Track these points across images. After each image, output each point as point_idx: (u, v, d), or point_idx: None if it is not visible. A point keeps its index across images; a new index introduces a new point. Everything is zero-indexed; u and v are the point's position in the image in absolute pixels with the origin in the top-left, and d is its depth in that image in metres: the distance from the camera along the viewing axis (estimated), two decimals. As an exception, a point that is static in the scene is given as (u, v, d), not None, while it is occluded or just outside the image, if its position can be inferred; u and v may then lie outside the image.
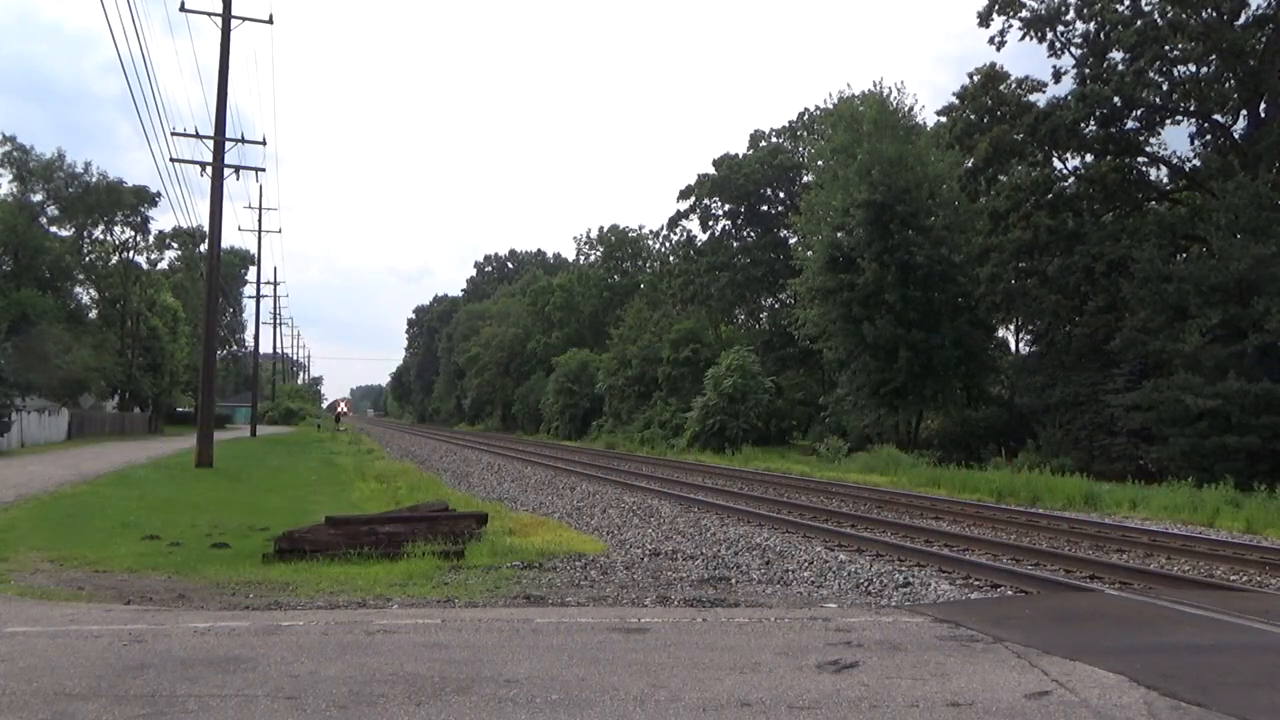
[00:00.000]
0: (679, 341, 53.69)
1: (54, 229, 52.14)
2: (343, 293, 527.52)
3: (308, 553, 10.81)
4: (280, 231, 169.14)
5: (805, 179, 55.98)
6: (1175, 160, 34.32)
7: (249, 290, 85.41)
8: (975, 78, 35.79)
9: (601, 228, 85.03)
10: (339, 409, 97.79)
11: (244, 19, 27.57)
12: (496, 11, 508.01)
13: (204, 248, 40.57)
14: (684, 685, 5.54)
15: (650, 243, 78.87)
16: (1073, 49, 34.08)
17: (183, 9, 26.63)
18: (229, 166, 27.20)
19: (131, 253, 55.90)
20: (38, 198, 50.65)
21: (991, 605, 9.19)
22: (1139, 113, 32.70)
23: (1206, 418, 24.94)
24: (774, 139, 61.75)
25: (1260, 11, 29.61)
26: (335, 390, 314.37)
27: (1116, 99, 31.31)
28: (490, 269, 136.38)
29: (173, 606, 8.44)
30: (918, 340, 34.52)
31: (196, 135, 27.71)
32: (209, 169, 26.64)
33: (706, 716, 5.00)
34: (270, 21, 29.00)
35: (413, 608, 8.26)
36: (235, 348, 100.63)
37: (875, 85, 43.65)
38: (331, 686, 5.42)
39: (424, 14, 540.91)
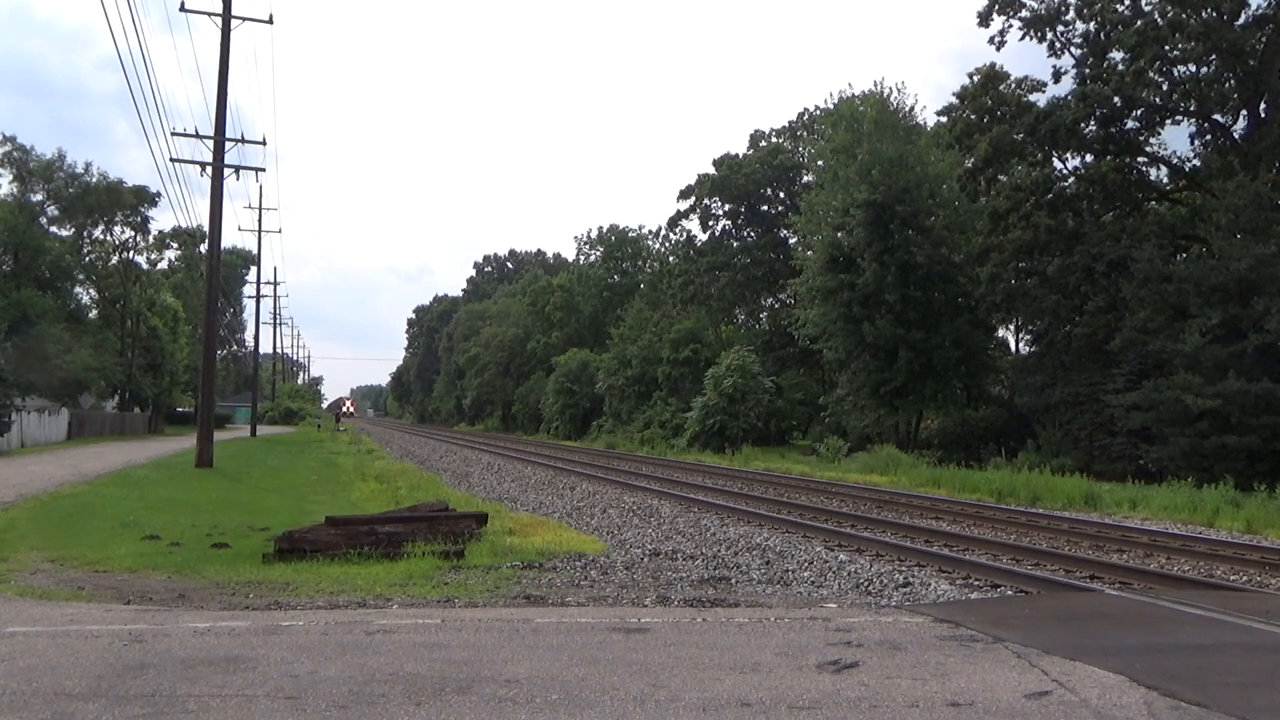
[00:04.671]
0: (679, 341, 53.70)
1: (54, 229, 52.13)
2: (342, 293, 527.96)
3: (308, 553, 10.81)
4: (280, 231, 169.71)
5: (805, 179, 56.01)
6: (1175, 160, 34.34)
7: (249, 290, 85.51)
8: (975, 78, 35.80)
9: (601, 228, 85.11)
10: (343, 408, 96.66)
11: (244, 19, 27.60)
12: (496, 11, 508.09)
13: (204, 248, 40.60)
14: (684, 685, 5.54)
15: (650, 243, 78.89)
16: (1073, 49, 34.09)
17: (183, 9, 26.63)
18: (229, 166, 27.22)
19: (131, 253, 55.92)
20: (38, 198, 50.64)
21: (991, 605, 9.19)
22: (1139, 113, 32.68)
23: (1206, 418, 24.94)
24: (774, 139, 61.76)
25: (1260, 11, 29.62)
26: (335, 390, 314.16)
27: (1116, 99, 31.30)
28: (490, 269, 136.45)
29: (173, 606, 8.44)
30: (918, 340, 34.52)
31: (196, 135, 27.73)
32: (209, 169, 26.65)
33: (706, 716, 4.99)
34: (270, 21, 29.02)
35: (413, 608, 8.26)
36: (235, 348, 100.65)
37: (876, 85, 43.77)
38: (331, 686, 5.41)
39: (424, 14, 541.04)
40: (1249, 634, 7.40)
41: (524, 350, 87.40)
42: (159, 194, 55.67)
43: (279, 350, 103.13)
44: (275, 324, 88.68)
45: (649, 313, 61.86)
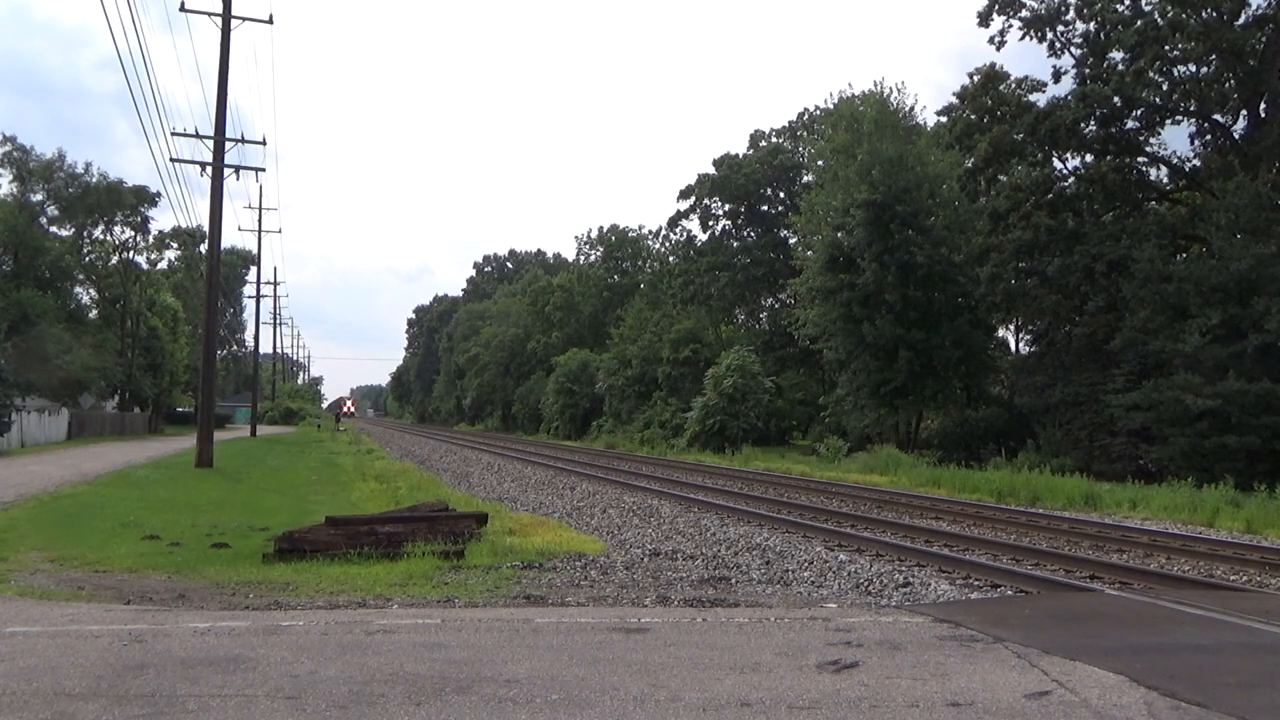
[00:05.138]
0: (679, 341, 53.70)
1: (54, 229, 52.10)
2: (342, 293, 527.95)
3: (308, 553, 10.81)
4: (280, 231, 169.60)
5: (805, 179, 55.98)
6: (1175, 160, 34.34)
7: (249, 290, 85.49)
8: (975, 78, 35.81)
9: (601, 228, 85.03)
10: (344, 408, 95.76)
11: (244, 19, 27.59)
12: (497, 11, 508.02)
13: (204, 248, 40.60)
14: (684, 685, 5.54)
15: (650, 243, 78.87)
16: (1073, 49, 34.10)
17: (183, 9, 26.62)
18: (229, 166, 27.21)
19: (131, 253, 55.90)
20: (38, 198, 50.62)
21: (991, 605, 9.19)
22: (1139, 113, 32.69)
23: (1206, 418, 24.93)
24: (774, 139, 61.74)
25: (1260, 11, 29.63)
26: (335, 390, 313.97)
27: (1116, 99, 31.30)
28: (490, 269, 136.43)
29: (173, 606, 8.44)
30: (918, 340, 34.50)
31: (196, 135, 27.72)
32: (209, 169, 26.64)
33: (706, 716, 4.99)
34: (270, 21, 29.01)
35: (413, 608, 8.26)
36: (235, 348, 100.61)
37: (876, 85, 43.67)
38: (331, 686, 5.41)
39: (423, 14, 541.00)
40: (1249, 634, 7.40)
41: (524, 350, 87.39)
42: (159, 194, 55.71)
43: (279, 350, 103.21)
44: (275, 324, 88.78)
45: (649, 313, 61.85)
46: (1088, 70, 33.09)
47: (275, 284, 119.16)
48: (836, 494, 22.85)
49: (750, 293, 60.88)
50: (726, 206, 61.95)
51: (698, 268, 61.30)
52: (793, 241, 53.21)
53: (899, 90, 43.42)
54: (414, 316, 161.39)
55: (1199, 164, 33.10)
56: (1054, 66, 34.46)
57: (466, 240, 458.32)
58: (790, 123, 62.09)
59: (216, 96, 26.67)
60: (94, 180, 51.62)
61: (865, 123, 38.81)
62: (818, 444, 39.89)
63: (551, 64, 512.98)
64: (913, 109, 41.02)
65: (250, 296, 77.51)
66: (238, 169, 29.42)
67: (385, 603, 8.52)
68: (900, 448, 34.18)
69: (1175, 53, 31.19)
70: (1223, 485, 20.78)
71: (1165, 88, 32.29)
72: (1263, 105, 30.42)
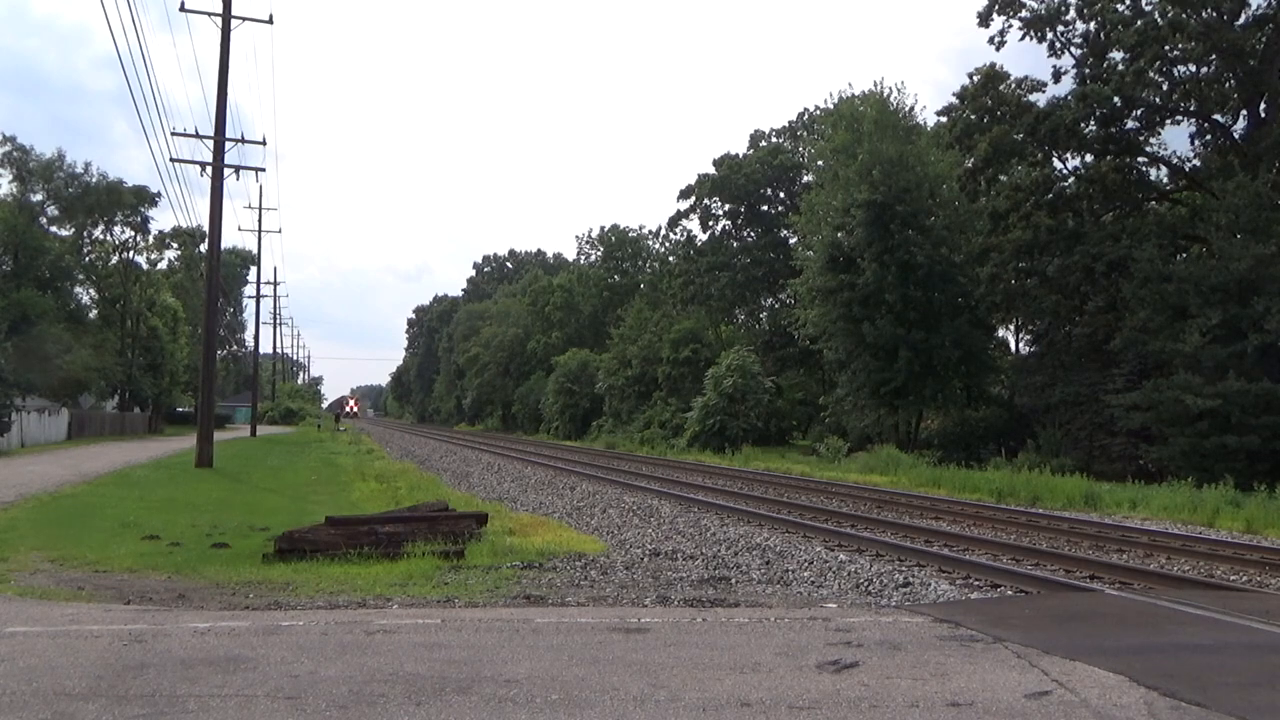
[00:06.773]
0: (679, 341, 53.73)
1: (54, 229, 52.11)
2: (342, 292, 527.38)
3: (308, 553, 10.81)
4: (280, 231, 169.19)
5: (805, 179, 56.01)
6: (1175, 160, 34.35)
7: (249, 290, 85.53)
8: (975, 78, 35.81)
9: (602, 227, 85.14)
10: (346, 407, 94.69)
11: (244, 19, 27.59)
12: (496, 11, 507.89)
13: (204, 248, 40.59)
14: (684, 685, 5.54)
15: (650, 243, 78.95)
16: (1073, 49, 34.10)
17: (183, 9, 26.63)
18: (229, 166, 27.21)
19: (131, 253, 55.93)
20: (38, 198, 50.64)
21: (991, 605, 9.19)
22: (1139, 113, 32.70)
23: (1206, 418, 24.94)
24: (774, 139, 61.81)
25: (1260, 11, 29.64)
26: (335, 390, 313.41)
27: (1116, 99, 31.31)
28: (490, 269, 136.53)
29: (173, 606, 8.44)
30: (918, 340, 34.51)
31: (196, 135, 27.72)
32: (209, 169, 26.64)
33: (706, 716, 4.99)
34: (270, 21, 29.00)
35: (413, 608, 8.26)
36: (235, 348, 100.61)
37: (876, 85, 43.70)
38: (331, 686, 5.41)
39: (423, 14, 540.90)
40: (1249, 634, 7.40)
41: (524, 350, 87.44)
42: (159, 194, 55.78)
43: (279, 350, 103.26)
44: (275, 324, 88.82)
45: (649, 313, 61.89)
46: (1088, 70, 33.09)
47: (275, 284, 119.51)
48: (836, 494, 22.87)
49: (750, 293, 60.93)
50: (726, 206, 62.00)
51: (698, 268, 61.33)
52: (793, 241, 53.24)
53: (899, 90, 43.49)
54: (414, 316, 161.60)
55: (1199, 164, 33.11)
56: (1054, 66, 34.50)
57: (466, 240, 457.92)
58: (790, 123, 62.26)
59: (216, 96, 26.70)
60: (94, 180, 51.67)
61: (865, 123, 38.79)
62: (818, 444, 39.90)
63: (551, 64, 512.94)
64: (913, 109, 41.04)
65: (250, 296, 77.66)
66: (238, 169, 29.46)
67: (385, 603, 8.52)
68: (900, 448, 34.18)
69: (1175, 53, 31.19)
70: (1223, 485, 20.78)
71: (1165, 88, 32.30)
72: (1263, 105, 30.43)
